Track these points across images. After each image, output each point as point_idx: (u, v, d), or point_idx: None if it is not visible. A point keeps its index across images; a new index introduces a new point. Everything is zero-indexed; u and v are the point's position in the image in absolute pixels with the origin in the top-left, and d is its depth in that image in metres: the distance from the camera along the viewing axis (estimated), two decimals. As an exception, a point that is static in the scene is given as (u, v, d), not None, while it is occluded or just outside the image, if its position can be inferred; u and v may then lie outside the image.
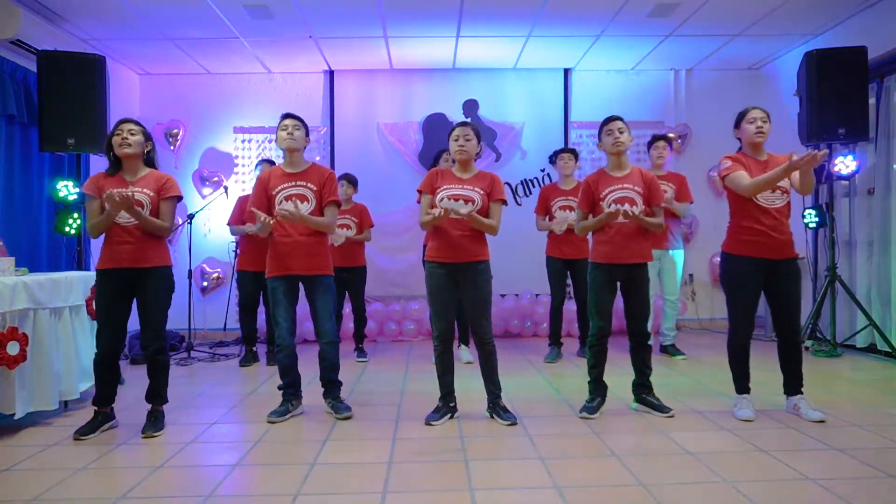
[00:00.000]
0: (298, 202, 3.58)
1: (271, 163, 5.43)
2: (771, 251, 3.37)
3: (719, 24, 5.69)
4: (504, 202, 3.51)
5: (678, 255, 5.32)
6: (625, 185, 3.56)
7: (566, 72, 6.99)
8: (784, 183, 3.34)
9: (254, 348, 5.44)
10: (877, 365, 4.94)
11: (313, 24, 5.59)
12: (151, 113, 6.81)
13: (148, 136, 3.46)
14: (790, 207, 3.43)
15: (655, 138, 5.31)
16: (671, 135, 6.60)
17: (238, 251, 5.48)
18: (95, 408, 3.44)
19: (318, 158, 6.75)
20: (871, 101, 5.20)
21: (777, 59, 6.66)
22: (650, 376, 3.67)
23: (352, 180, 5.39)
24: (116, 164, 3.40)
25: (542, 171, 6.87)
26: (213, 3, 5.09)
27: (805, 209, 5.42)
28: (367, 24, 5.59)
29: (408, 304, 6.66)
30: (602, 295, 3.58)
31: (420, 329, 6.58)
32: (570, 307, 6.51)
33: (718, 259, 6.90)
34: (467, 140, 3.45)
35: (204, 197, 6.72)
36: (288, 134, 3.63)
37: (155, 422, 3.41)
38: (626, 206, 3.45)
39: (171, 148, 6.81)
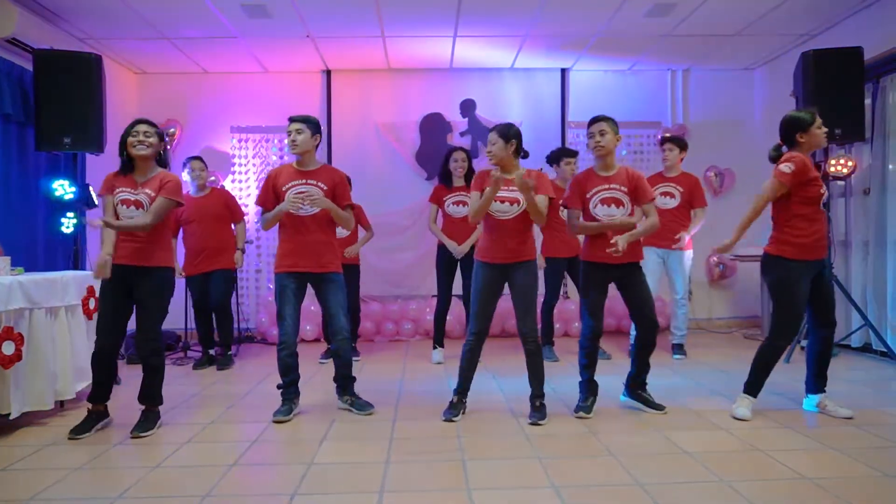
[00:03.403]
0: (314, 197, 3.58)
1: (200, 160, 5.40)
2: (822, 251, 3.48)
3: (716, 24, 5.70)
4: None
5: (688, 253, 5.30)
6: (611, 186, 3.57)
7: (563, 72, 6.99)
8: None
9: (210, 351, 5.36)
10: (872, 364, 4.95)
11: (311, 23, 5.58)
12: (148, 112, 6.74)
13: (161, 137, 3.47)
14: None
15: (663, 140, 5.35)
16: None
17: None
18: (90, 405, 3.44)
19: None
20: (867, 101, 5.21)
21: (773, 59, 6.68)
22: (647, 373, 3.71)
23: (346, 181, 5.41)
24: (129, 164, 3.40)
25: (540, 170, 6.85)
26: (210, 1, 5.08)
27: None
28: (365, 23, 5.58)
29: (405, 303, 6.65)
30: (597, 294, 3.61)
31: (417, 329, 6.57)
32: (566, 307, 6.53)
33: (716, 259, 7.00)
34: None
35: (201, 196, 6.70)
36: (292, 140, 3.65)
37: (145, 422, 3.38)
38: (617, 241, 3.40)
39: (168, 147, 6.78)
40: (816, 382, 3.59)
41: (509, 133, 3.54)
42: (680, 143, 5.35)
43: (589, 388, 3.65)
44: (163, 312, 3.44)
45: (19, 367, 3.36)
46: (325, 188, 3.65)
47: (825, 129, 3.49)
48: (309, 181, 3.65)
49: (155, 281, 3.38)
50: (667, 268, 5.29)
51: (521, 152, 3.61)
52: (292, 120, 3.69)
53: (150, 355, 3.40)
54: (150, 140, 3.37)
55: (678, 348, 5.35)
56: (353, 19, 5.50)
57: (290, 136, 3.65)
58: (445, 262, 5.23)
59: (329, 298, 3.70)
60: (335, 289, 3.70)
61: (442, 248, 5.24)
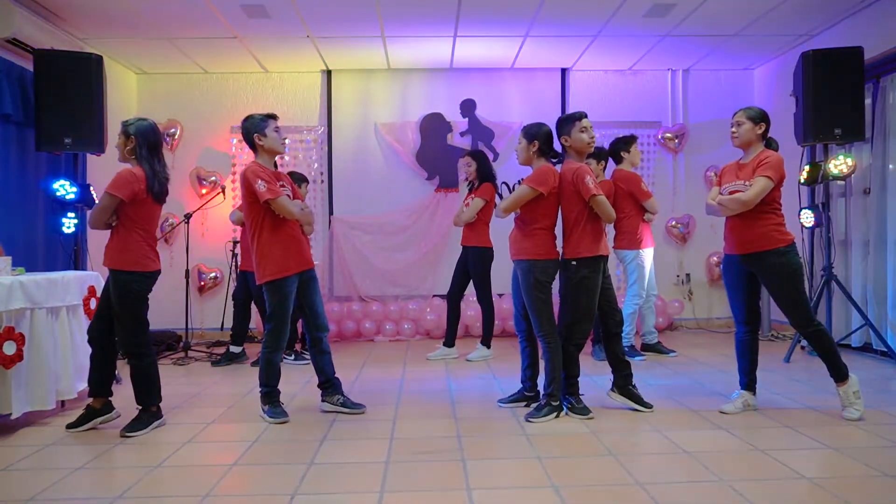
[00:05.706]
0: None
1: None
2: (738, 247, 3.51)
3: (716, 24, 5.70)
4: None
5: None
6: None
7: (563, 71, 7.00)
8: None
9: (232, 349, 5.44)
10: (872, 364, 4.96)
11: (310, 23, 5.58)
12: (148, 112, 6.76)
13: (128, 134, 3.40)
14: (765, 203, 3.41)
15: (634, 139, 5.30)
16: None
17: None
18: (90, 400, 3.48)
19: (314, 158, 6.76)
20: (868, 101, 5.21)
21: (773, 59, 6.68)
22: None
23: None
24: None
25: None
26: (210, 2, 5.08)
27: (801, 209, 5.44)
28: (365, 23, 5.58)
29: (405, 303, 6.65)
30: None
31: (417, 329, 6.57)
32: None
33: (716, 258, 7.02)
34: None
35: (201, 197, 6.71)
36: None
37: (135, 422, 3.39)
38: None
39: (169, 147, 6.79)
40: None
41: (533, 134, 3.54)
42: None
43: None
44: (125, 314, 3.33)
45: (21, 366, 3.36)
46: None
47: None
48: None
49: (112, 282, 3.36)
50: (651, 266, 5.33)
51: (547, 153, 3.58)
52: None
53: (127, 357, 3.40)
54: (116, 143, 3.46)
55: (663, 346, 5.45)
56: (353, 19, 5.50)
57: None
58: (459, 262, 5.41)
59: (317, 294, 3.70)
60: (317, 284, 3.73)
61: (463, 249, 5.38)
